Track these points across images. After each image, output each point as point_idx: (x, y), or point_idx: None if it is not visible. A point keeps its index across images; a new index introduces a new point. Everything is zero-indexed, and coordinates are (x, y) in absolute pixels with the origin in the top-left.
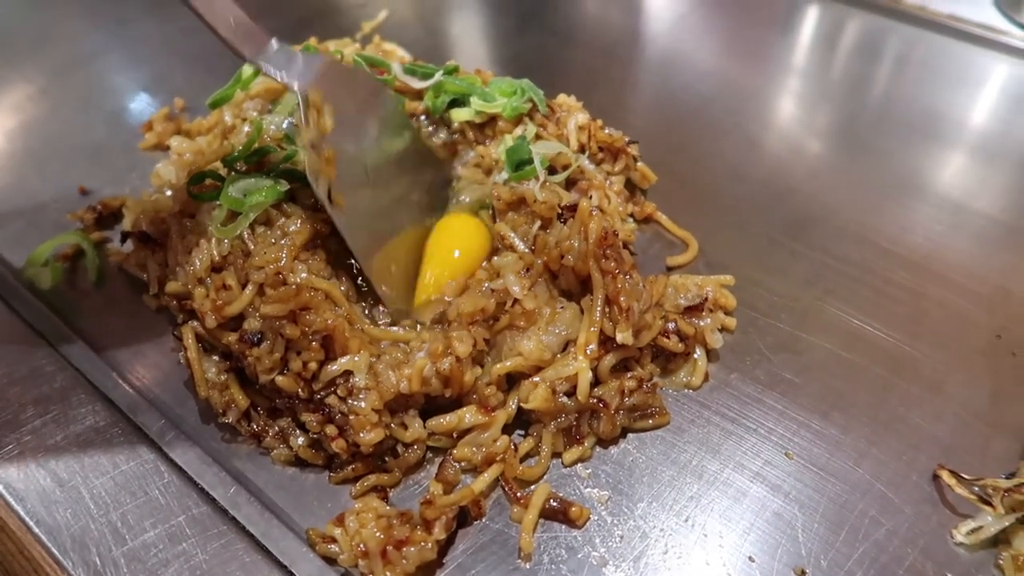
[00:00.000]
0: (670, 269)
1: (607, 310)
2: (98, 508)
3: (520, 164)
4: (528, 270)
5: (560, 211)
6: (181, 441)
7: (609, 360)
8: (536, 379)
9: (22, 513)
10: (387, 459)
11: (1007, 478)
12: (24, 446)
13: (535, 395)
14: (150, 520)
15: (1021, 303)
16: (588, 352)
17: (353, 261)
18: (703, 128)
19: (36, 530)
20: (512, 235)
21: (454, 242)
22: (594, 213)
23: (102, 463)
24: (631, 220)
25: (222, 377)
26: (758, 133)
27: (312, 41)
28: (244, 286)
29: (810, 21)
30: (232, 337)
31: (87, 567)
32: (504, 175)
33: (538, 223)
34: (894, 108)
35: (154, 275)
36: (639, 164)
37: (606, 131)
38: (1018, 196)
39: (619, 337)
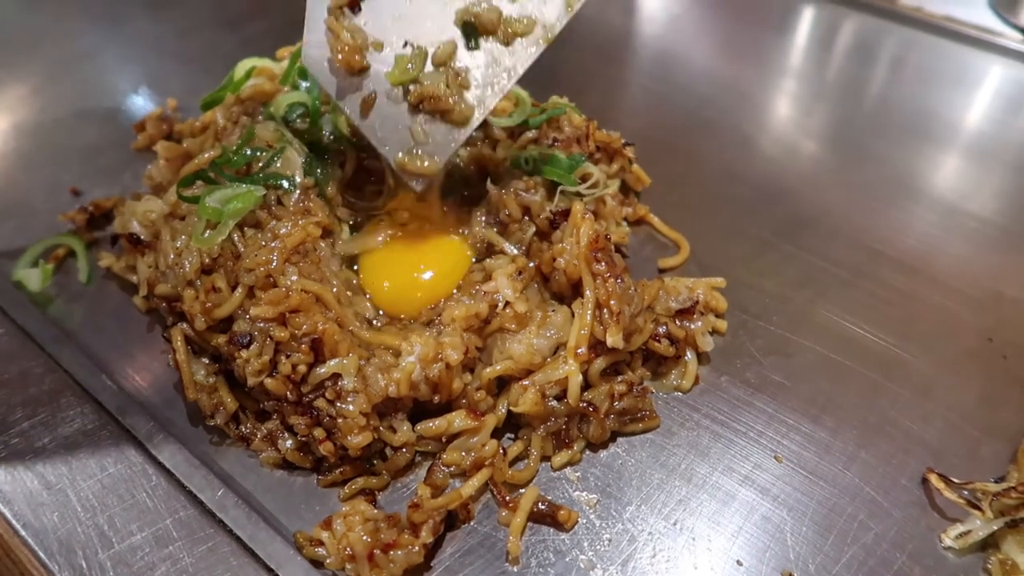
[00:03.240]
0: (662, 271)
1: (598, 313)
2: (85, 511)
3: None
4: (520, 273)
5: (552, 216)
6: (169, 444)
7: (599, 364)
8: (526, 383)
9: (9, 516)
10: (375, 462)
11: (996, 482)
12: (12, 448)
13: (525, 399)
14: (137, 523)
15: (1013, 306)
16: (578, 355)
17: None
18: (697, 129)
19: (23, 533)
20: (503, 241)
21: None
22: (586, 217)
23: (90, 466)
24: (624, 223)
25: (211, 379)
26: (752, 134)
27: None
28: (234, 288)
29: (805, 22)
30: (221, 339)
31: (73, 570)
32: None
33: (532, 228)
34: (889, 109)
35: (144, 277)
36: (634, 166)
37: (603, 131)
38: (1012, 198)
39: (609, 341)
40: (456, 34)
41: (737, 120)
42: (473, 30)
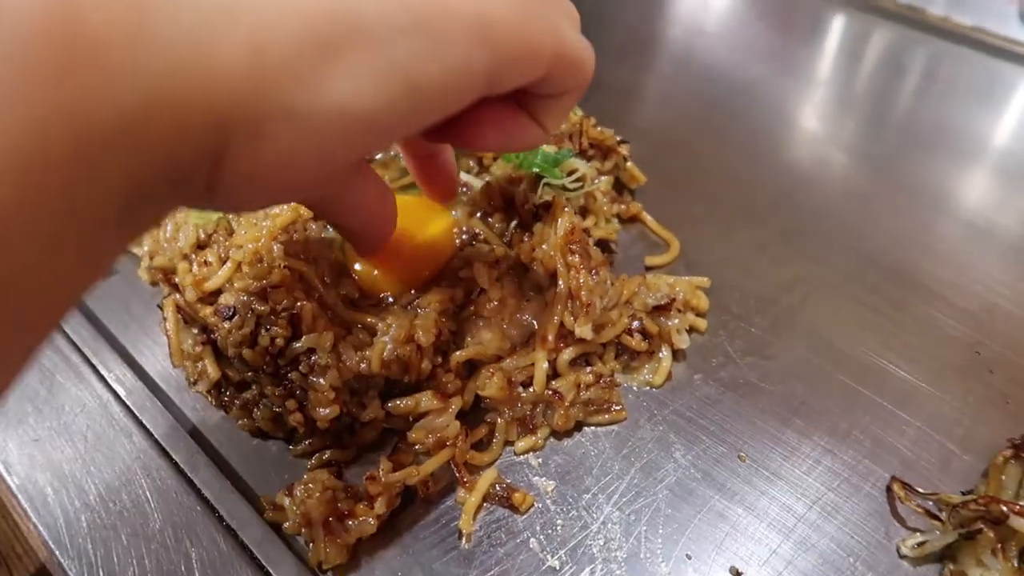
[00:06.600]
0: (648, 269)
1: (569, 304)
2: (70, 467)
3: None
4: (498, 262)
5: (535, 208)
6: (153, 408)
7: (568, 354)
8: (494, 368)
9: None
10: (344, 436)
11: (963, 495)
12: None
13: (490, 384)
14: (117, 479)
15: (1005, 320)
16: (545, 343)
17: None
18: (707, 132)
19: (8, 482)
20: (487, 230)
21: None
22: (565, 209)
23: (76, 422)
24: (616, 220)
25: (197, 349)
26: (770, 142)
27: None
28: (224, 263)
29: (834, 31)
30: (208, 310)
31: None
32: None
33: (515, 220)
34: (911, 120)
35: (147, 250)
36: (628, 164)
37: (598, 129)
38: (1014, 210)
39: (577, 331)
40: None
41: (756, 126)
42: None
